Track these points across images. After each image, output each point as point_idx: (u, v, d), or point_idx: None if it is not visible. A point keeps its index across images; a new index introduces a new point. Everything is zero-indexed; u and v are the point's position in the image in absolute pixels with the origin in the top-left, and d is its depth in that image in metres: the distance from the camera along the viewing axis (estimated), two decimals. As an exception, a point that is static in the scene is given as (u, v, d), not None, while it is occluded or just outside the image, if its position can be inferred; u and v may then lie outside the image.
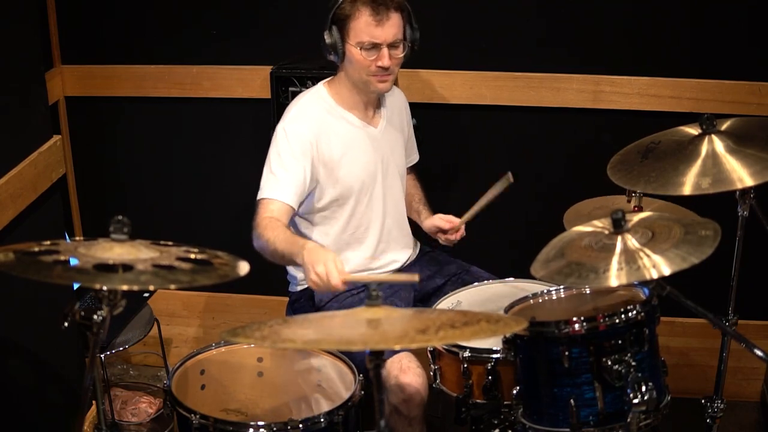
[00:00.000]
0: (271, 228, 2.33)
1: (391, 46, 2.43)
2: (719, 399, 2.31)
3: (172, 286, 1.59)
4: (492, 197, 2.52)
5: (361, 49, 2.41)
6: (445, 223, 2.63)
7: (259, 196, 2.44)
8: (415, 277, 2.18)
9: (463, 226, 2.61)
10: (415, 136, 2.85)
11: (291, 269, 2.67)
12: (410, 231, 2.78)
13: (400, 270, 2.71)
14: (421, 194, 2.85)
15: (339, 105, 2.57)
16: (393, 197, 2.68)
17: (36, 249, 1.67)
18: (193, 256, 1.73)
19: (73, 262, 1.60)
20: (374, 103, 2.62)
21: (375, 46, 2.41)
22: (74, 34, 3.21)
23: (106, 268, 1.58)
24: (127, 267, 1.59)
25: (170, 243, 1.78)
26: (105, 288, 1.58)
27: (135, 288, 1.55)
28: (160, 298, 3.26)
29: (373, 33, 2.39)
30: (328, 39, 2.44)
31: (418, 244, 2.81)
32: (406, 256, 2.74)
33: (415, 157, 2.87)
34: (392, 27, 2.41)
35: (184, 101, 3.21)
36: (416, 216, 2.80)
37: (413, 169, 2.88)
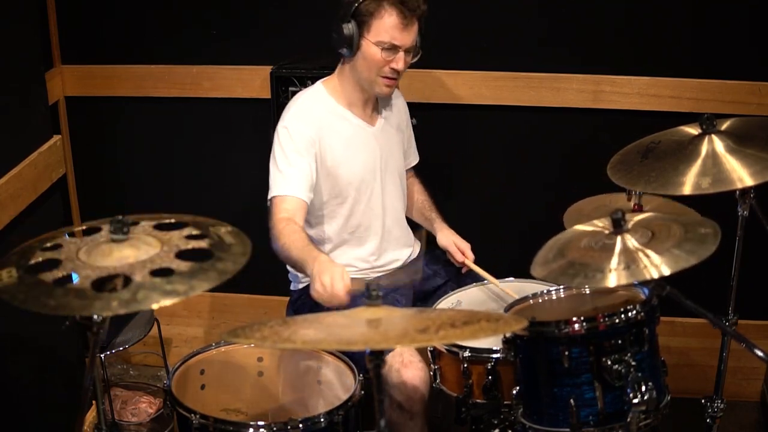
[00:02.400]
0: (287, 233, 2.35)
1: (406, 51, 2.46)
2: (719, 399, 2.30)
3: (169, 302, 1.56)
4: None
5: (381, 49, 2.43)
6: (457, 253, 2.70)
7: (270, 194, 2.45)
8: (417, 275, 2.22)
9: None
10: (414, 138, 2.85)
11: (291, 268, 2.67)
12: (410, 229, 2.79)
13: (401, 268, 2.72)
14: (430, 201, 2.86)
15: (338, 103, 2.58)
16: (392, 196, 2.68)
17: (40, 259, 1.63)
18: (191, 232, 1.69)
19: (75, 278, 1.57)
20: (372, 102, 2.63)
21: (394, 48, 2.43)
22: (74, 34, 3.21)
23: (104, 285, 1.54)
24: (127, 279, 1.55)
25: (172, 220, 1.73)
26: (101, 316, 1.56)
27: (131, 311, 1.51)
28: (160, 298, 3.26)
29: (397, 36, 2.42)
30: (346, 31, 2.44)
31: (418, 243, 2.82)
32: (407, 254, 2.74)
33: (414, 159, 2.87)
34: (413, 33, 2.45)
35: (184, 101, 3.21)
36: (428, 225, 2.82)
37: (414, 173, 2.88)
